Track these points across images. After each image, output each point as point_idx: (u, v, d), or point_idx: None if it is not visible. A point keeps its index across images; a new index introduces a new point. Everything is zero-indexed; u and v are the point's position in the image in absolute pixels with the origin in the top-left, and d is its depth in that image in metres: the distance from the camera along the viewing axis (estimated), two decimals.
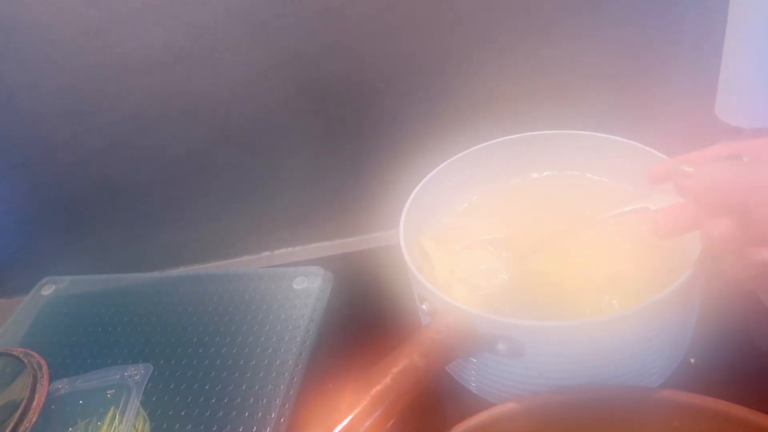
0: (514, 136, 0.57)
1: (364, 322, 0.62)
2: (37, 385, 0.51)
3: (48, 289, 0.75)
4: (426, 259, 0.52)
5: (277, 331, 0.61)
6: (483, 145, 0.57)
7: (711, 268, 0.41)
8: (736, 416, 0.38)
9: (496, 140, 0.58)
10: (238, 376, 0.57)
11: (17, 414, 0.49)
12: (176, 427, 0.53)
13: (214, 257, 0.77)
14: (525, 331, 0.41)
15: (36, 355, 0.56)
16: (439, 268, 0.51)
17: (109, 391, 0.51)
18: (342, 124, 0.71)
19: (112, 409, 0.52)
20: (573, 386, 0.43)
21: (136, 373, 0.53)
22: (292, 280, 0.66)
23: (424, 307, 0.47)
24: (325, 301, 0.65)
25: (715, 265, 0.36)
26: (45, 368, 0.54)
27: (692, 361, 0.50)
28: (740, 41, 0.57)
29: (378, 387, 0.39)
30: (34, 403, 0.50)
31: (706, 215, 0.34)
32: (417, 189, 0.54)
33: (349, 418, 0.37)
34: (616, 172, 0.56)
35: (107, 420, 0.51)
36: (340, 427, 0.36)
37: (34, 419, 0.50)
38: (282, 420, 0.53)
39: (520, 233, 0.53)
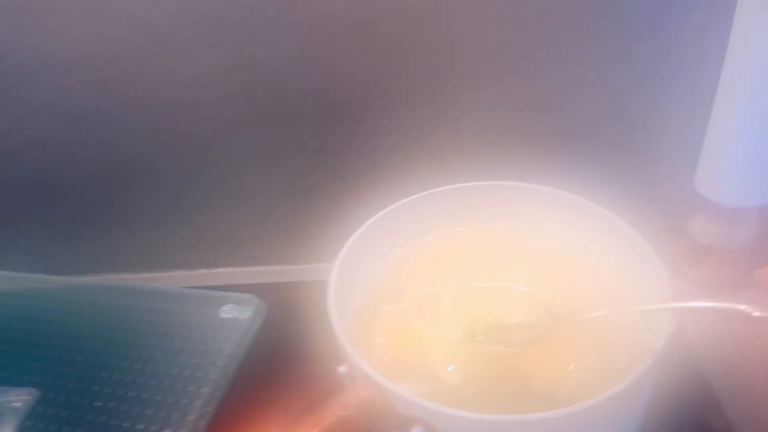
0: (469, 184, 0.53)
1: (292, 365, 0.56)
2: None
3: None
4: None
5: (192, 365, 0.55)
6: (434, 190, 0.53)
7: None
8: None
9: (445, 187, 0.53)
10: (138, 412, 0.51)
11: None
12: None
13: (145, 268, 0.71)
14: (442, 418, 0.36)
15: None
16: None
17: None
18: (300, 144, 0.66)
19: None
20: None
21: (17, 400, 0.47)
22: (220, 308, 0.61)
23: (341, 370, 0.42)
24: (252, 334, 0.59)
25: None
26: None
27: None
28: (727, 114, 0.53)
29: None
30: None
31: None
32: (357, 233, 0.49)
33: None
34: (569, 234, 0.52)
35: None
36: None
37: None
38: None
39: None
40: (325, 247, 0.69)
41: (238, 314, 0.60)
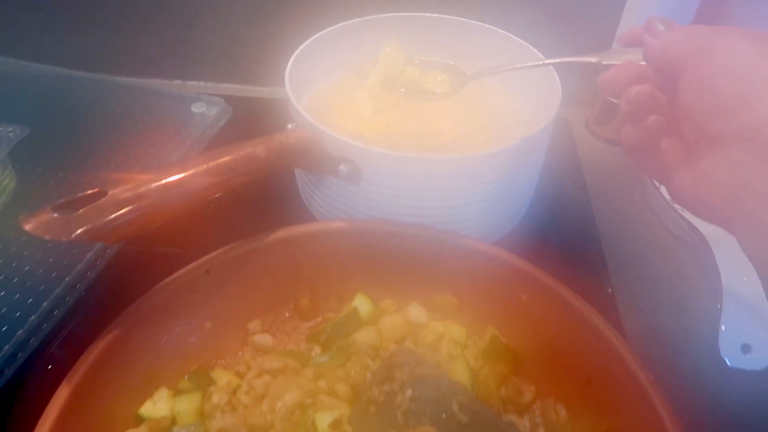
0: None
1: None
2: None
3: None
4: None
5: (157, 147, 0.64)
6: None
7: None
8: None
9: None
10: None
11: None
12: (42, 192, 0.56)
13: (125, 72, 0.78)
14: (363, 154, 0.46)
15: None
16: None
17: None
18: None
19: None
20: (403, 222, 0.48)
21: (12, 131, 0.55)
22: (191, 104, 0.69)
23: (289, 126, 0.51)
24: (217, 128, 0.68)
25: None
26: None
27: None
28: None
29: (217, 161, 0.43)
30: None
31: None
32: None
33: (181, 175, 0.41)
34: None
35: None
36: (172, 179, 0.40)
37: None
38: None
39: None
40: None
41: (206, 111, 0.68)
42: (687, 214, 0.59)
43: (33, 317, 0.47)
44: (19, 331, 0.46)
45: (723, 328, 0.49)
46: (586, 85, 0.73)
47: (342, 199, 0.51)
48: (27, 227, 0.35)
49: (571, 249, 0.58)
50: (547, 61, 0.45)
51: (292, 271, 0.48)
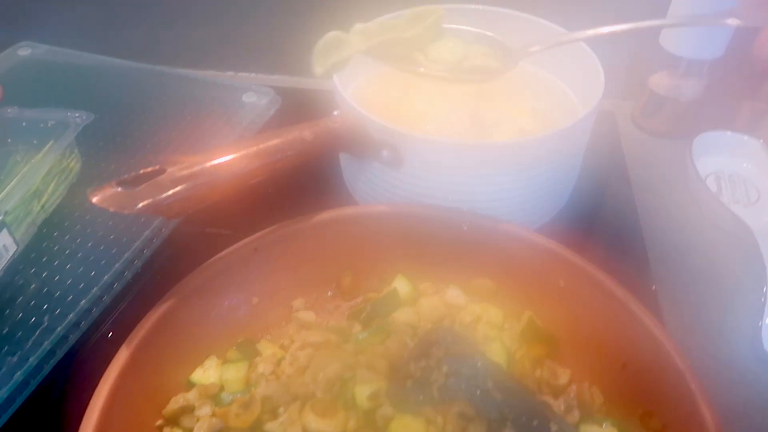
0: None
1: None
2: None
3: (25, 51, 0.80)
4: None
5: (210, 134, 0.67)
6: None
7: None
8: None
9: None
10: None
11: None
12: (104, 173, 0.60)
13: (179, 63, 0.81)
14: (404, 139, 0.48)
15: None
16: None
17: (50, 122, 0.58)
18: None
19: (50, 141, 0.58)
20: (443, 206, 0.49)
21: (79, 116, 0.59)
22: (243, 94, 0.72)
23: (335, 113, 0.53)
24: (267, 117, 0.70)
25: None
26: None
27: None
28: None
29: (266, 144, 0.45)
30: None
31: None
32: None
33: (233, 156, 0.43)
34: None
35: (44, 150, 0.58)
36: (224, 159, 0.43)
37: None
38: None
39: None
40: None
41: (256, 100, 0.71)
42: (734, 207, 0.58)
43: (95, 289, 0.51)
44: (82, 302, 0.50)
45: (767, 321, 0.49)
46: (632, 78, 0.73)
47: (384, 184, 0.52)
48: (94, 200, 0.38)
49: (612, 239, 0.58)
50: (597, 31, 0.46)
51: (335, 251, 0.50)
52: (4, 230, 0.50)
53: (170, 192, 0.41)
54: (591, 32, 0.47)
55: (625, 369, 0.42)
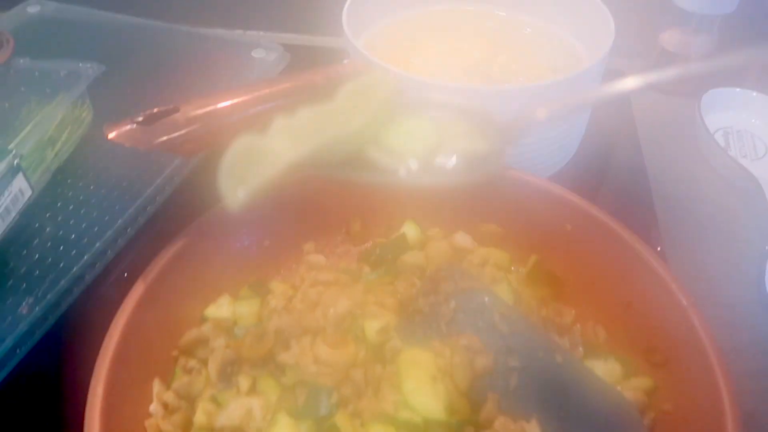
0: None
1: None
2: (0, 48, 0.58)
3: (34, 8, 0.80)
4: None
5: (220, 88, 0.67)
6: None
7: None
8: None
9: None
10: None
11: None
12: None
13: (188, 22, 0.81)
14: (414, 86, 0.48)
15: (6, 33, 0.62)
16: None
17: (62, 72, 0.58)
18: None
19: (63, 91, 0.58)
20: None
21: (91, 67, 0.59)
22: (251, 50, 0.72)
23: (345, 61, 0.53)
24: (276, 72, 0.71)
25: None
26: (11, 42, 0.60)
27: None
28: None
29: (278, 86, 0.45)
30: None
31: None
32: None
33: (246, 97, 0.44)
34: None
35: (57, 99, 0.58)
36: (237, 100, 0.43)
37: None
38: None
39: None
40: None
41: (265, 56, 0.71)
42: (741, 161, 0.58)
43: (109, 232, 0.52)
44: (97, 244, 0.51)
45: None
46: (643, 36, 0.72)
47: None
48: (110, 135, 0.39)
49: (620, 191, 0.59)
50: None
51: (345, 197, 0.51)
52: (20, 174, 0.51)
53: (184, 131, 0.41)
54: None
55: (629, 308, 0.43)
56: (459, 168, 0.35)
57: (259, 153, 0.33)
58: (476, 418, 0.39)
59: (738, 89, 0.64)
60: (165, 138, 0.40)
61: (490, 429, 0.38)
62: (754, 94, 0.63)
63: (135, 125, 0.40)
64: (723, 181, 0.59)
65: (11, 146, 0.51)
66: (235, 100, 0.44)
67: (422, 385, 0.39)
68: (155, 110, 0.41)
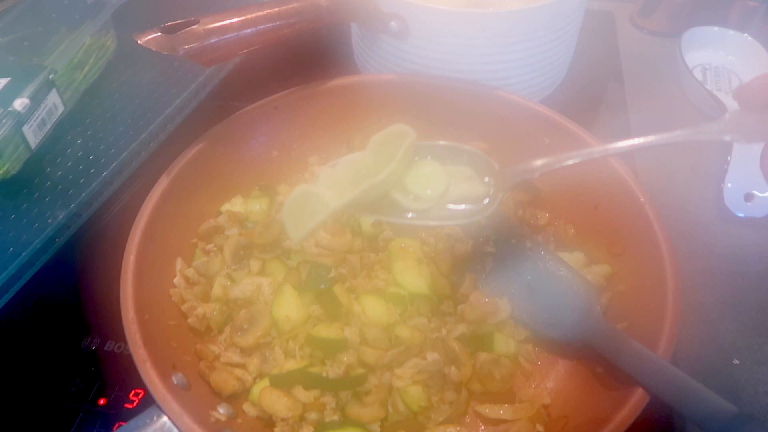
0: None
1: None
2: None
3: None
4: None
5: None
6: None
7: None
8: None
9: None
10: None
11: None
12: (137, 53, 0.66)
13: None
14: (411, 9, 0.53)
15: None
16: None
17: (89, 1, 0.63)
18: None
19: (89, 18, 0.64)
20: (444, 75, 0.55)
21: None
22: None
23: None
24: None
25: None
26: None
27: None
28: None
29: (287, 6, 0.50)
30: None
31: None
32: None
33: (258, 14, 0.49)
34: None
35: (83, 27, 0.63)
36: (250, 15, 0.48)
37: None
38: None
39: None
40: None
41: None
42: (716, 93, 0.63)
43: (134, 145, 0.58)
44: (123, 154, 0.57)
45: (729, 184, 0.54)
46: None
47: (392, 57, 0.58)
48: (140, 41, 0.44)
49: (599, 119, 0.63)
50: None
51: (346, 114, 0.56)
52: (54, 90, 0.57)
53: (205, 42, 0.47)
54: None
55: (596, 210, 0.48)
56: (465, 211, 0.40)
57: (312, 201, 0.39)
58: (455, 294, 0.45)
59: (716, 28, 0.68)
60: (190, 47, 0.46)
61: (466, 303, 0.44)
62: (731, 32, 0.67)
63: (160, 33, 0.45)
64: (696, 111, 0.63)
65: (45, 63, 0.57)
66: (249, 15, 0.49)
67: (409, 266, 0.45)
68: (177, 22, 0.46)
